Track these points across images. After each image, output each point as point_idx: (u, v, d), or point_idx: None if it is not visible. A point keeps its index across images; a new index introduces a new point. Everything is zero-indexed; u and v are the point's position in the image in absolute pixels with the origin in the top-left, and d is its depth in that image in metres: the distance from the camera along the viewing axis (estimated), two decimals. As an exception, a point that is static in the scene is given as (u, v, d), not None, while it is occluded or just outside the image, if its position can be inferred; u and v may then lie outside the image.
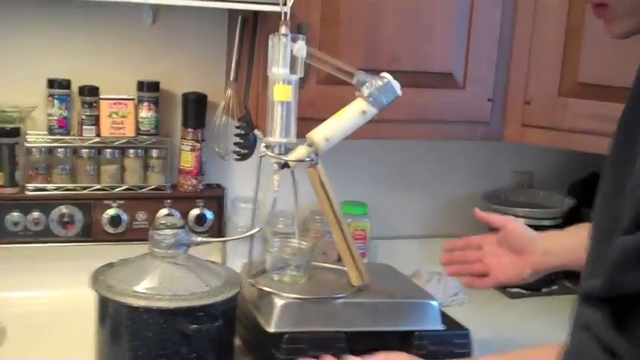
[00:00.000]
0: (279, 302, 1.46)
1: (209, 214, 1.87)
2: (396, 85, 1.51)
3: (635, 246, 0.81)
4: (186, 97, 1.86)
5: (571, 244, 1.43)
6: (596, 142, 1.76)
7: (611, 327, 0.85)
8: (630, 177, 0.95)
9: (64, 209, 1.77)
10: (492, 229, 1.58)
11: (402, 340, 1.52)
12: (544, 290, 2.05)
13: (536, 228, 2.05)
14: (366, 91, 1.49)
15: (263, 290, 1.50)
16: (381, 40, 1.69)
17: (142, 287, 1.39)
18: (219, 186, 1.94)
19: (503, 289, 2.02)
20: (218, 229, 1.89)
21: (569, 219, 2.13)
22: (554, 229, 2.07)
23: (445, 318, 1.56)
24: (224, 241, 1.87)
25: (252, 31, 1.69)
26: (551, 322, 1.38)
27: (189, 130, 1.85)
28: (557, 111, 1.78)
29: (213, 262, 1.57)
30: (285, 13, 1.48)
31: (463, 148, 2.14)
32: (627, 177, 0.96)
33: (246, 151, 1.72)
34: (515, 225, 1.52)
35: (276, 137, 1.48)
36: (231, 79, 1.76)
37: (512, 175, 2.27)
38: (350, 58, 1.63)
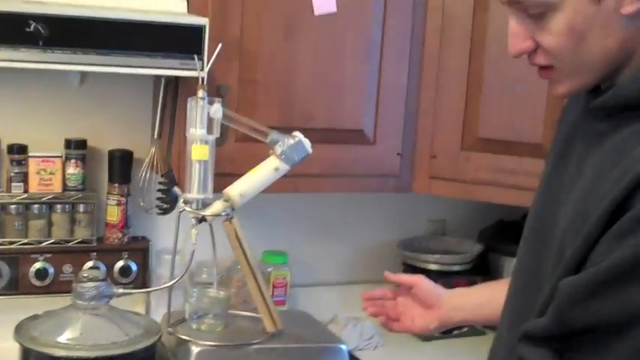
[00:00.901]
0: (195, 349, 1.55)
1: (134, 266, 1.95)
2: (307, 143, 1.63)
3: (582, 283, 0.93)
4: (112, 153, 1.95)
5: (477, 302, 1.52)
6: (495, 193, 1.91)
7: None
8: (554, 230, 1.07)
9: (-9, 263, 1.83)
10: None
11: (313, 383, 1.62)
12: (455, 332, 2.17)
13: (448, 273, 2.20)
14: (278, 149, 1.61)
15: (180, 338, 1.58)
16: (295, 100, 1.81)
17: (64, 338, 1.47)
18: (144, 238, 2.02)
19: (417, 332, 2.13)
20: (143, 280, 1.96)
21: (477, 264, 2.27)
22: (463, 273, 2.22)
23: (355, 361, 1.66)
24: (145, 292, 1.95)
25: (174, 92, 1.79)
26: None
27: (115, 185, 1.93)
28: (460, 164, 1.92)
29: (135, 313, 1.65)
30: (203, 78, 1.59)
31: (380, 199, 2.26)
32: (551, 231, 1.08)
33: (167, 205, 1.81)
34: (424, 283, 1.59)
35: (194, 193, 1.58)
36: (156, 137, 1.85)
37: (426, 223, 2.40)
38: (266, 117, 1.75)
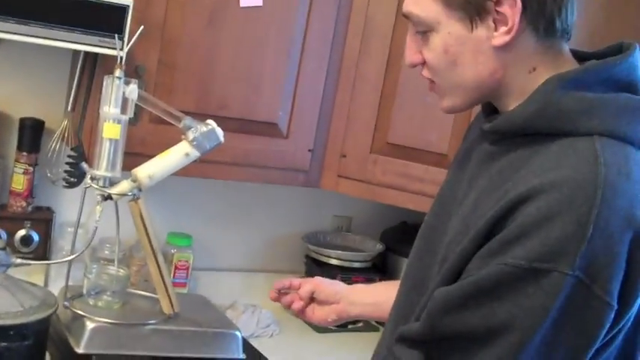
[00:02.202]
0: (90, 325, 1.56)
1: (35, 236, 1.94)
2: (220, 132, 1.66)
3: (453, 294, 1.00)
4: (23, 121, 1.93)
5: (374, 300, 1.56)
6: (400, 197, 1.98)
7: None
8: (442, 240, 1.13)
9: None
10: (311, 274, 1.68)
11: (203, 366, 1.66)
12: (350, 327, 2.23)
13: (348, 269, 2.27)
14: (191, 135, 1.62)
15: (76, 313, 1.59)
16: (212, 87, 1.83)
17: (-45, 304, 1.45)
18: (48, 209, 2.01)
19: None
20: (43, 251, 1.96)
21: (377, 262, 2.34)
22: (363, 271, 2.29)
23: (248, 348, 1.70)
24: (44, 264, 1.94)
25: (92, 68, 1.79)
26: (353, 357, 1.53)
27: (24, 153, 1.92)
28: (368, 166, 1.99)
29: (32, 284, 1.65)
30: (121, 58, 1.60)
31: (289, 191, 2.31)
32: (439, 240, 1.14)
33: (75, 179, 1.81)
34: (322, 285, 1.59)
35: (102, 171, 1.59)
36: (69, 109, 1.84)
37: (332, 219, 2.46)
38: (182, 102, 1.77)
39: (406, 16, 1.12)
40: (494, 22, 1.05)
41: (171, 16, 1.75)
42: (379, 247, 2.34)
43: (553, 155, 1.01)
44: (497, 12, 1.04)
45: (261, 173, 1.97)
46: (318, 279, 1.62)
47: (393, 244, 2.37)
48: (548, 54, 1.08)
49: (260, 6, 1.83)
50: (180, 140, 1.64)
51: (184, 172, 1.66)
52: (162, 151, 1.64)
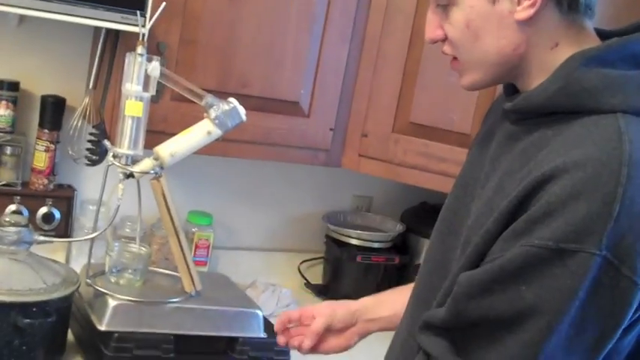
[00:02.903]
0: (112, 303, 1.56)
1: (57, 214, 1.94)
2: (242, 110, 1.65)
3: (478, 278, 0.98)
4: (45, 98, 1.92)
5: (392, 311, 1.47)
6: (421, 177, 1.97)
7: (453, 354, 1.01)
8: (464, 222, 1.11)
9: None
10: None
11: (226, 345, 1.67)
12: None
13: (368, 249, 2.25)
14: (213, 113, 1.62)
15: (99, 290, 1.60)
16: (234, 65, 1.82)
17: (-21, 280, 1.46)
18: (70, 187, 2.01)
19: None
20: (65, 229, 1.96)
21: (397, 243, 2.33)
22: (383, 251, 2.28)
23: (269, 327, 1.70)
24: (66, 242, 1.95)
25: (114, 45, 1.78)
26: (372, 337, 1.50)
27: (45, 131, 1.92)
28: (389, 145, 1.97)
29: (55, 261, 1.66)
30: (143, 35, 1.59)
31: (309, 171, 2.29)
32: (461, 222, 1.13)
33: (97, 157, 1.81)
34: (335, 313, 1.47)
35: (124, 149, 1.58)
36: (91, 87, 1.84)
37: (353, 198, 2.45)
38: (204, 79, 1.76)
39: None
40: None
41: (192, -7, 1.74)
42: (400, 227, 2.33)
43: (576, 134, 0.99)
44: None
45: (282, 152, 1.96)
46: (328, 308, 1.48)
47: (414, 224, 2.35)
48: (570, 30, 1.06)
49: (282, -17, 1.81)
50: (202, 118, 1.64)
51: (205, 150, 1.65)
52: (183, 129, 1.64)
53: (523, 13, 1.03)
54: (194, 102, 1.64)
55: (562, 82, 1.02)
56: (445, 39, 1.11)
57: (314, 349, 1.47)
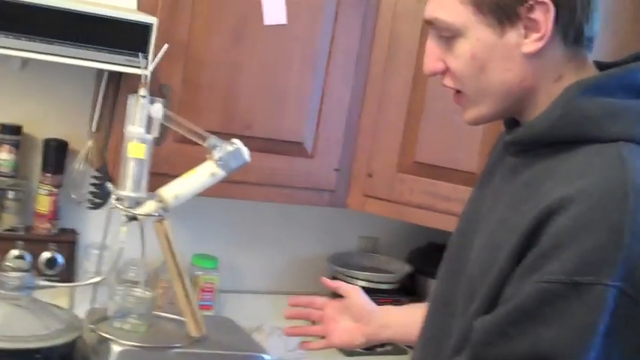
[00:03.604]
0: (116, 349, 1.53)
1: (60, 258, 1.92)
2: (246, 151, 1.63)
3: (494, 323, 0.95)
4: (47, 142, 1.92)
5: (405, 321, 1.52)
6: (428, 217, 1.95)
7: None
8: (468, 257, 1.09)
9: None
10: (337, 295, 1.64)
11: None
12: (378, 350, 2.19)
13: (375, 291, 2.22)
14: (216, 154, 1.60)
15: (102, 336, 1.57)
16: (237, 106, 1.82)
17: (-19, 327, 1.44)
18: (73, 231, 1.99)
19: (339, 347, 2.15)
20: (68, 274, 1.94)
21: (405, 284, 2.30)
22: (390, 292, 2.25)
23: (276, 371, 1.67)
24: (69, 287, 1.92)
25: (116, 87, 1.78)
26: None
27: (48, 174, 1.91)
28: (395, 185, 1.95)
29: (58, 307, 1.63)
30: (146, 77, 1.58)
31: (314, 212, 2.28)
32: (466, 257, 1.10)
33: (100, 200, 1.80)
34: (359, 295, 1.57)
35: (127, 191, 1.57)
36: (93, 130, 1.83)
37: (358, 239, 2.43)
38: (207, 121, 1.75)
39: (429, 22, 1.08)
40: (525, 29, 1.02)
41: (195, 34, 1.74)
42: (407, 268, 2.30)
43: (579, 163, 0.98)
44: (529, 18, 1.02)
45: (287, 193, 1.94)
46: (358, 288, 1.59)
47: (421, 265, 2.33)
48: (572, 62, 1.06)
49: (284, 24, 1.81)
50: (205, 160, 1.62)
51: (209, 192, 1.64)
52: (187, 171, 1.62)
53: (531, 46, 1.03)
54: (197, 144, 1.63)
55: (561, 110, 1.02)
56: (445, 71, 1.09)
57: (320, 343, 1.54)
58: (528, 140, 1.06)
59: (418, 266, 2.33)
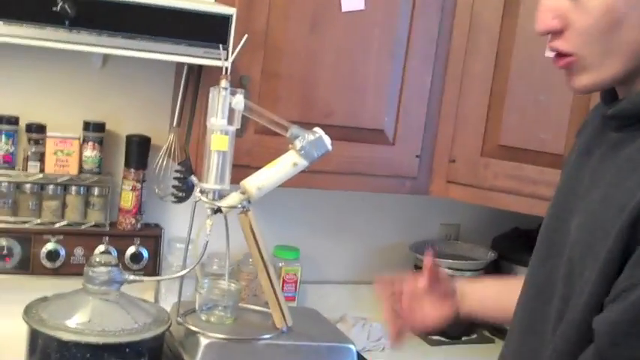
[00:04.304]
0: (204, 341, 1.53)
1: (145, 253, 1.94)
2: (327, 140, 1.61)
3: (617, 321, 0.90)
4: (129, 138, 1.94)
5: (484, 294, 1.47)
6: (513, 201, 1.89)
7: None
8: (565, 241, 1.04)
9: (3, 242, 1.82)
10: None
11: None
12: (463, 339, 2.15)
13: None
14: (298, 144, 1.59)
15: (190, 329, 1.57)
16: (317, 95, 1.79)
17: (72, 322, 1.46)
18: (157, 226, 2.01)
19: (425, 336, 2.12)
20: (153, 268, 1.95)
21: (489, 271, 2.25)
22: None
23: (363, 362, 1.65)
24: (156, 280, 1.94)
25: (196, 81, 1.78)
26: None
27: (131, 170, 1.92)
28: (479, 170, 1.90)
29: (145, 301, 1.64)
30: (226, 68, 1.57)
31: (394, 200, 2.25)
32: (562, 242, 1.06)
33: (183, 194, 1.80)
34: (445, 276, 1.49)
35: (211, 184, 1.56)
36: (174, 124, 1.83)
37: (440, 227, 2.38)
38: (287, 110, 1.73)
39: None
40: None
41: (273, 23, 1.72)
42: (491, 254, 2.25)
43: None
44: None
45: (368, 181, 1.92)
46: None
47: (506, 251, 2.27)
48: None
49: (362, 9, 1.78)
50: (286, 150, 1.61)
51: (290, 183, 1.62)
52: (268, 162, 1.61)
53: None
54: (278, 134, 1.62)
55: None
56: (561, 31, 1.00)
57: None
58: (633, 112, 0.99)
59: (503, 252, 2.27)
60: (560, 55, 1.02)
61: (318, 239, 2.23)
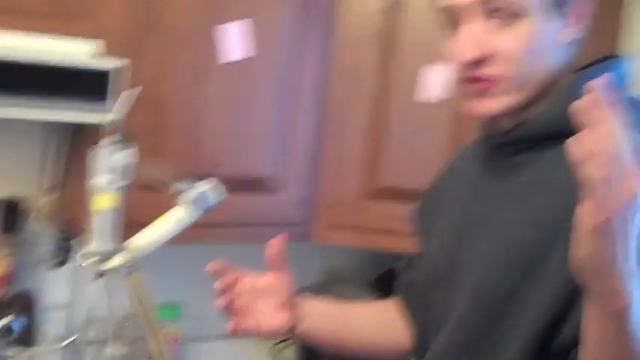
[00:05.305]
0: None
1: (17, 324, 1.80)
2: (216, 191, 1.57)
3: None
4: (-2, 202, 1.81)
5: (326, 312, 1.38)
6: (397, 242, 1.91)
7: None
8: (467, 269, 1.09)
9: None
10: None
11: None
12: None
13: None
14: (185, 198, 1.54)
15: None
16: (203, 146, 1.76)
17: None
18: (30, 294, 1.88)
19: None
20: (27, 338, 1.82)
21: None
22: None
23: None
24: (32, 353, 1.81)
25: (73, 138, 1.69)
26: None
27: (1, 236, 1.80)
28: (362, 213, 1.92)
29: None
30: (110, 125, 1.51)
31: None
32: (463, 270, 1.10)
33: (61, 258, 1.70)
34: (290, 280, 1.35)
35: (96, 246, 1.48)
36: (48, 186, 1.73)
37: (320, 273, 2.38)
38: (174, 163, 1.67)
39: (490, 3, 1.04)
40: (571, 16, 1.05)
41: (156, 77, 1.67)
42: (374, 296, 2.26)
43: None
44: (579, 7, 1.05)
45: (253, 232, 1.88)
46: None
47: (387, 291, 2.29)
48: (574, 59, 1.09)
49: (244, 59, 1.77)
50: (172, 205, 1.56)
51: (176, 239, 1.56)
52: (152, 219, 1.55)
53: (575, 34, 1.05)
54: (162, 190, 1.57)
55: (568, 102, 1.00)
56: (485, 58, 1.04)
57: (251, 328, 1.29)
58: (540, 133, 1.06)
59: (384, 293, 2.29)
60: (480, 80, 1.06)
61: (200, 295, 2.16)
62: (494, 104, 1.07)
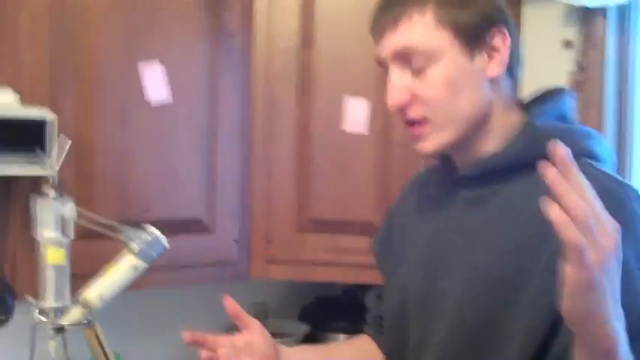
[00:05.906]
0: None
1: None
2: (163, 238, 1.57)
3: None
4: None
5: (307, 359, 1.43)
6: (334, 272, 1.96)
7: None
8: (445, 298, 1.14)
9: None
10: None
11: None
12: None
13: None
14: (135, 246, 1.52)
15: None
16: (132, 191, 1.74)
17: None
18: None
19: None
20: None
21: (306, 343, 2.28)
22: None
23: None
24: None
25: (6, 192, 1.63)
26: None
27: None
28: (296, 247, 1.95)
29: None
30: (52, 176, 1.47)
31: (200, 289, 2.20)
32: (441, 299, 1.15)
33: (3, 317, 1.62)
34: (263, 330, 1.37)
35: (51, 301, 1.44)
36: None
37: (249, 307, 2.37)
38: (104, 211, 1.64)
39: (399, 53, 1.11)
40: (488, 55, 1.11)
41: (81, 123, 1.64)
42: (304, 327, 2.29)
43: None
44: (491, 44, 1.11)
45: (191, 274, 1.87)
46: (257, 321, 1.36)
47: (315, 321, 2.32)
48: (513, 95, 1.17)
49: (167, 103, 1.76)
50: (117, 253, 1.53)
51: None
52: (96, 268, 1.53)
53: (494, 70, 1.11)
54: (100, 238, 1.54)
55: (530, 135, 1.10)
56: (411, 102, 1.12)
57: None
58: (503, 167, 1.11)
59: (312, 323, 2.32)
60: (413, 124, 1.13)
61: (138, 341, 2.12)
62: (429, 145, 1.14)
